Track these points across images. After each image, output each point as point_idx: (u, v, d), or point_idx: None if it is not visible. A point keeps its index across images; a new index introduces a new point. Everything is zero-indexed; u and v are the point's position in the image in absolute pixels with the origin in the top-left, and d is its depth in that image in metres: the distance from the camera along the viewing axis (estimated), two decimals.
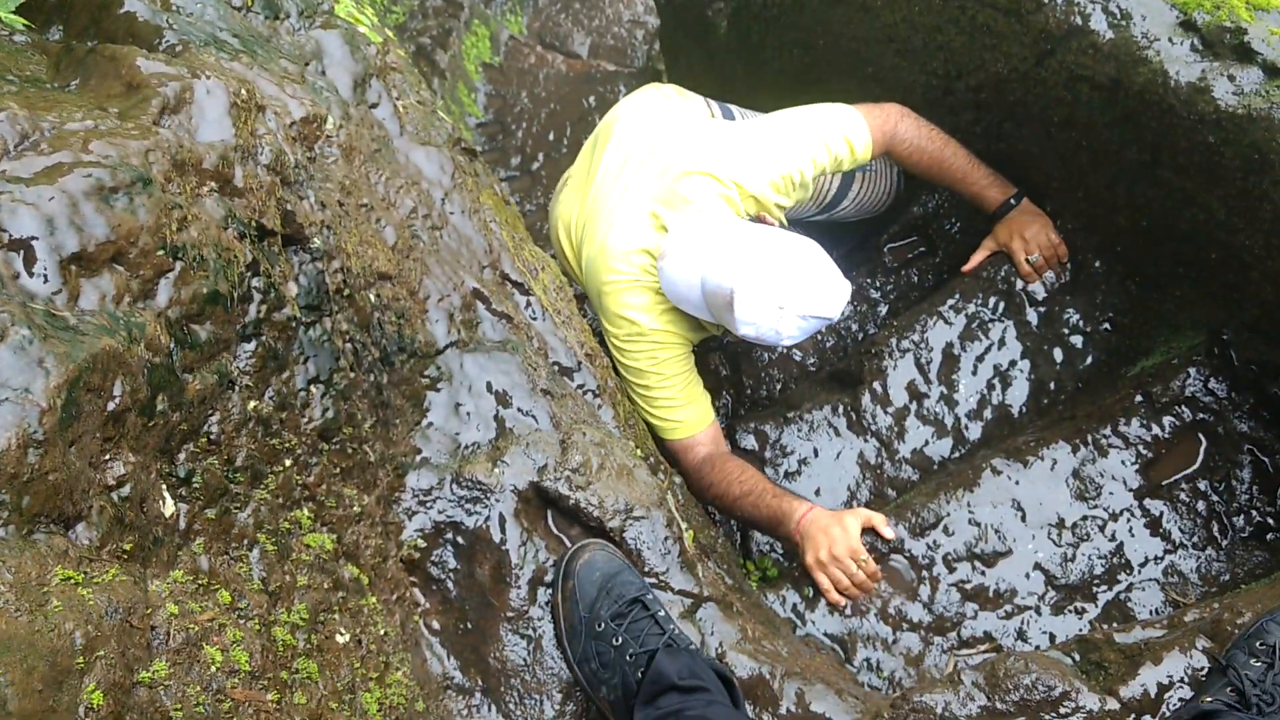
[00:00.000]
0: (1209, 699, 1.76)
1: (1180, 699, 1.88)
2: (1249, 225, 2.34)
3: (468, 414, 2.06)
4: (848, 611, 2.51)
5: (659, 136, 2.75)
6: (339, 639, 1.58)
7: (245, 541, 1.44)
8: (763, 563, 2.80)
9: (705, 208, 2.57)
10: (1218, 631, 1.91)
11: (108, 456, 1.17)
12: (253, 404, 1.48)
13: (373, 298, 1.90)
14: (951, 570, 2.53)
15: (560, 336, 2.33)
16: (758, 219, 2.67)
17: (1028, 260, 2.84)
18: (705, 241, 2.42)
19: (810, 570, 2.43)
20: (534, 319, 2.30)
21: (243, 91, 1.57)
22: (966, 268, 2.97)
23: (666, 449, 2.69)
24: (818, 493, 2.90)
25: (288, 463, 1.58)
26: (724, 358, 3.45)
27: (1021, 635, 2.47)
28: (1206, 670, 1.88)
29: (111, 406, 1.17)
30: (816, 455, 2.95)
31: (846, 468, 2.92)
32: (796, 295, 2.30)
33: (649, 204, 2.64)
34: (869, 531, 2.47)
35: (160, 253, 1.30)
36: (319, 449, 1.68)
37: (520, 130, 6.15)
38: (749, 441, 2.96)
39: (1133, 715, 1.86)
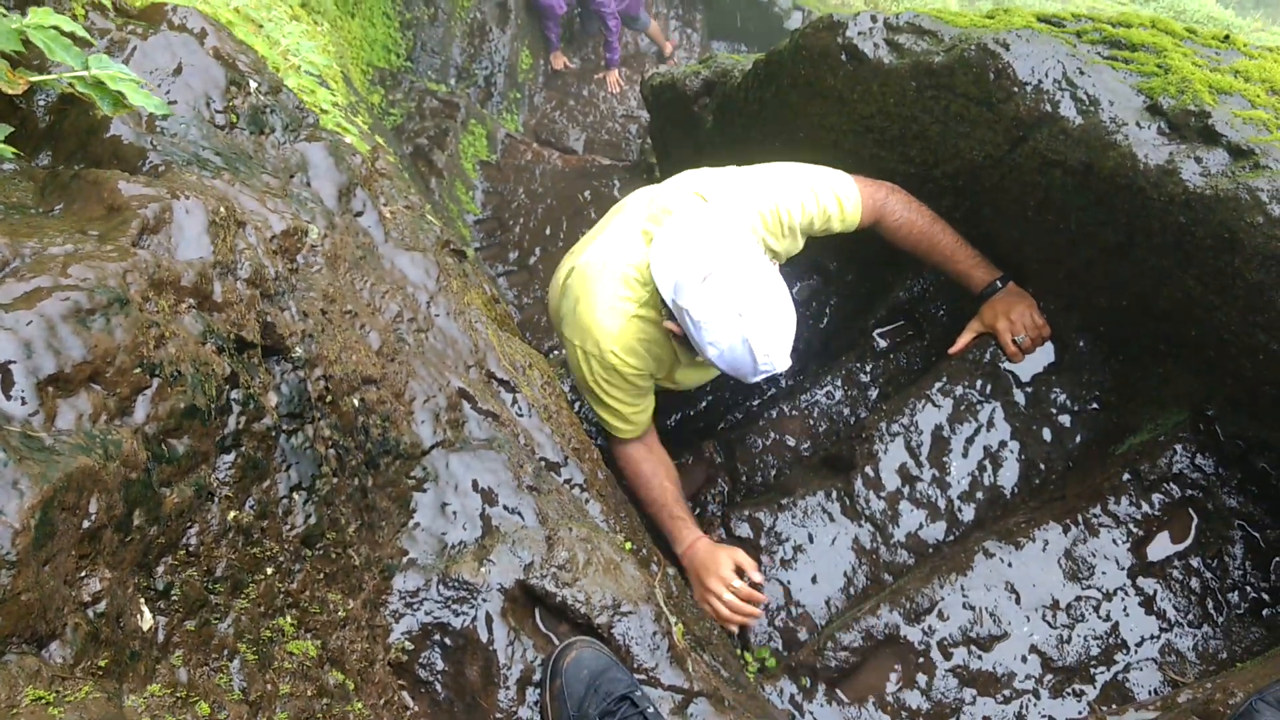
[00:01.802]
0: None
1: None
2: (1225, 302, 2.37)
3: (454, 513, 2.08)
4: (736, 630, 2.81)
5: (655, 191, 2.90)
6: None
7: (225, 651, 1.45)
8: (760, 653, 2.78)
9: (689, 212, 2.66)
10: (1209, 713, 1.90)
11: (83, 573, 1.19)
12: (233, 514, 1.51)
13: (356, 402, 1.93)
14: (948, 656, 2.52)
15: (547, 432, 2.36)
16: None
17: (1014, 341, 2.88)
18: (674, 240, 2.52)
19: (700, 602, 2.75)
20: (520, 415, 2.33)
21: (221, 209, 1.62)
22: (953, 350, 3.00)
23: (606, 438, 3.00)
24: (814, 579, 2.90)
25: (269, 571, 1.59)
26: (718, 445, 3.47)
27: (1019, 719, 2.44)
28: None
29: (87, 524, 1.19)
30: (812, 541, 2.95)
31: (842, 554, 2.92)
32: (754, 310, 2.37)
33: (639, 224, 2.77)
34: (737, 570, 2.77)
35: (137, 370, 1.33)
36: (302, 555, 1.70)
37: (518, 225, 6.26)
38: (744, 529, 2.97)
39: None
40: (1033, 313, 2.89)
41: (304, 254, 2.00)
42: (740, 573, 2.77)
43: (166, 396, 1.37)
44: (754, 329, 2.37)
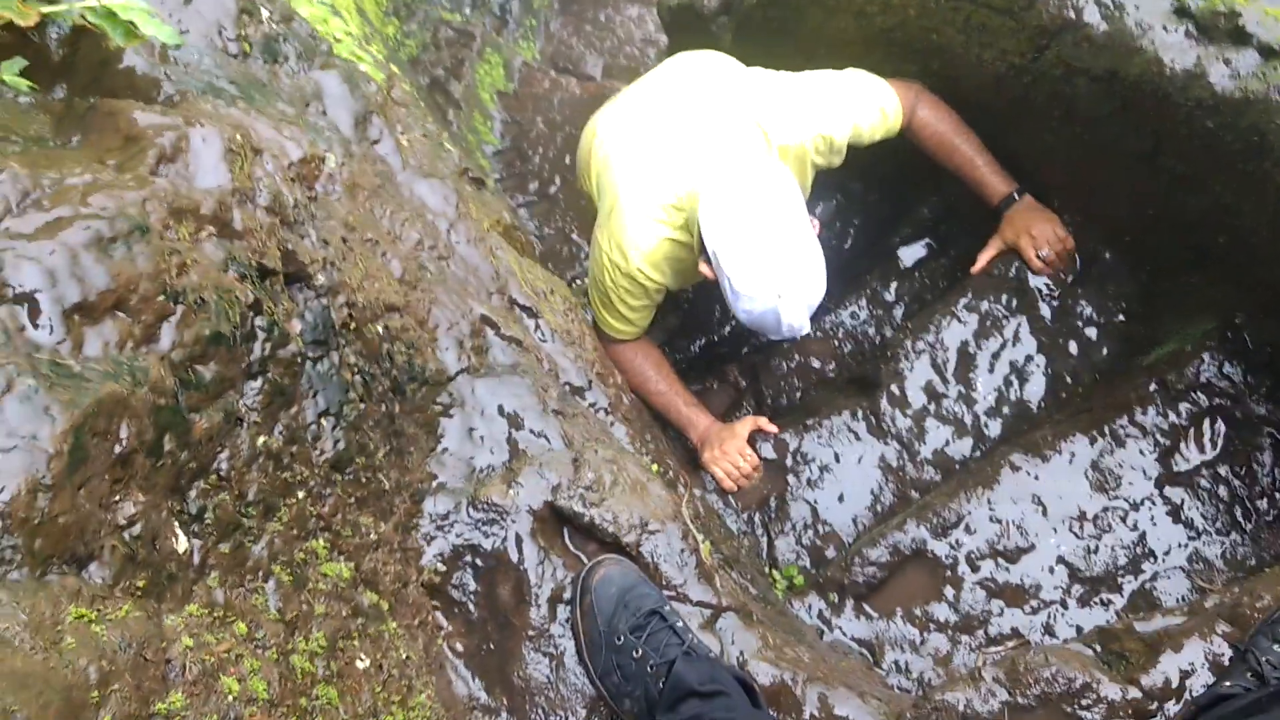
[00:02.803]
0: (1229, 684, 1.75)
1: (1203, 685, 1.87)
2: (1254, 208, 2.34)
3: (481, 438, 2.10)
4: (738, 502, 2.94)
5: (714, 83, 2.83)
6: (359, 665, 1.62)
7: (260, 573, 1.48)
8: (788, 571, 2.81)
9: (743, 158, 2.58)
10: (1237, 617, 1.91)
11: (117, 497, 1.21)
12: (262, 439, 1.53)
13: (380, 330, 1.94)
14: (975, 569, 2.53)
15: (570, 357, 2.37)
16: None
17: (1038, 256, 2.85)
18: (726, 197, 2.44)
19: (705, 465, 2.93)
20: (543, 341, 2.34)
21: (237, 137, 1.62)
22: (975, 268, 2.98)
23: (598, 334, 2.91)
24: (841, 498, 2.92)
25: (301, 495, 1.62)
26: (742, 369, 3.48)
27: (1049, 630, 2.46)
28: (1229, 656, 1.88)
29: (119, 449, 1.21)
30: (838, 461, 2.96)
31: (868, 472, 2.93)
32: (793, 288, 2.39)
33: (696, 147, 2.66)
34: (756, 431, 2.96)
35: (161, 298, 1.34)
36: (332, 480, 1.72)
37: (537, 155, 6.20)
38: (769, 451, 2.98)
39: (1154, 703, 1.86)
40: (1055, 226, 2.86)
41: (322, 182, 2.00)
42: (753, 442, 2.96)
43: (191, 323, 1.39)
44: (788, 304, 2.39)
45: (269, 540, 1.51)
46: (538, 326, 2.35)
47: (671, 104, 2.82)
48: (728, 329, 3.78)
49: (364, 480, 1.81)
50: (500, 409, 2.13)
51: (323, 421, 1.71)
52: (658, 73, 3.02)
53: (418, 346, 2.07)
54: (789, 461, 2.99)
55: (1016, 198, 2.90)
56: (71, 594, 1.09)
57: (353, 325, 1.84)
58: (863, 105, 2.79)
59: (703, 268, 2.55)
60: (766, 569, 2.82)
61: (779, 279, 2.36)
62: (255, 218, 1.61)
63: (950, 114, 2.92)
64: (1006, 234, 2.92)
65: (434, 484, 2.03)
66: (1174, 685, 1.87)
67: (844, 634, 2.56)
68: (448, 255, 2.26)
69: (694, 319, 3.80)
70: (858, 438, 2.96)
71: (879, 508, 2.90)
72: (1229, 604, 1.94)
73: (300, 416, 1.64)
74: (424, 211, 2.28)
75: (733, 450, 2.90)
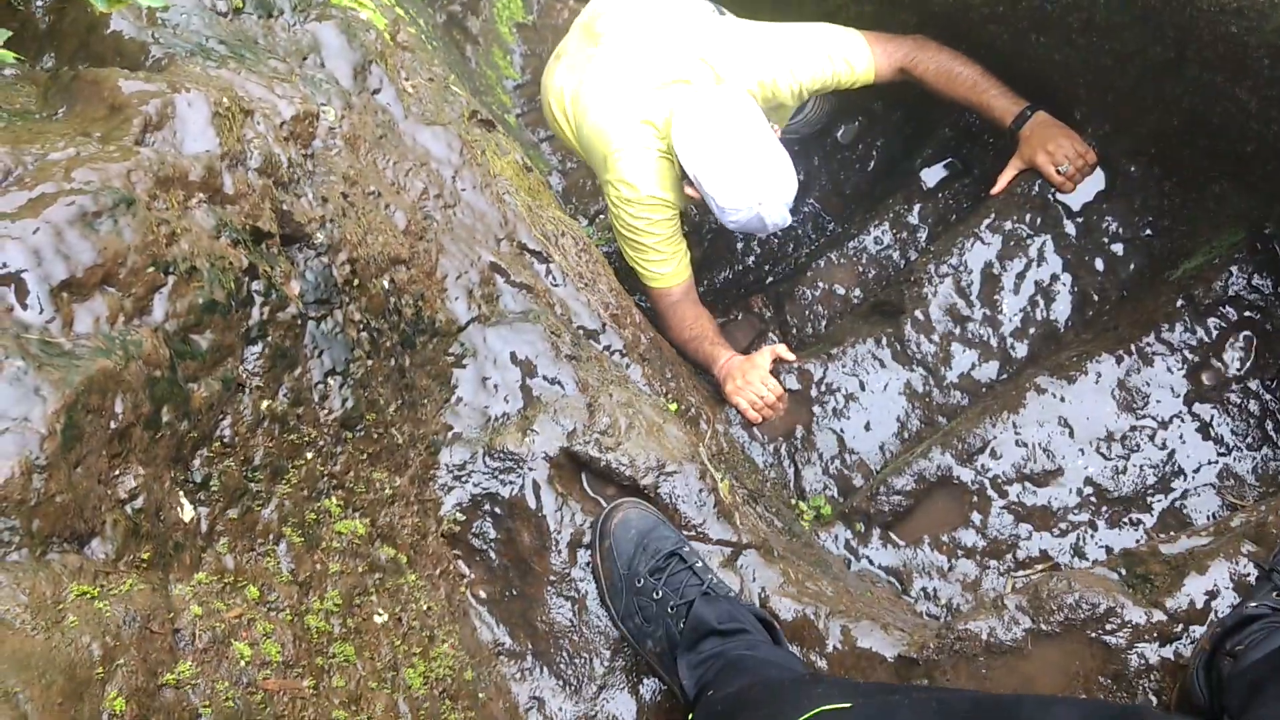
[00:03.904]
0: (1254, 604, 1.73)
1: (1229, 605, 1.85)
2: None
3: (495, 387, 2.10)
4: (764, 434, 2.93)
5: (664, 22, 2.98)
6: (377, 619, 1.64)
7: (271, 537, 1.49)
8: (815, 501, 2.81)
9: (702, 86, 2.83)
10: (1263, 536, 1.88)
11: (117, 472, 1.23)
12: (266, 403, 1.53)
13: (386, 284, 1.94)
14: (1002, 494, 2.51)
15: (583, 300, 2.35)
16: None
17: (1059, 171, 2.78)
18: (696, 126, 2.68)
19: (730, 397, 2.92)
20: (555, 285, 2.32)
21: (224, 100, 1.60)
22: (995, 190, 2.92)
23: (647, 293, 3.13)
24: (867, 427, 2.90)
25: (310, 455, 1.63)
26: (767, 299, 3.45)
27: (1078, 551, 2.45)
28: (1255, 576, 1.85)
29: (114, 424, 1.22)
30: (863, 389, 2.93)
31: (894, 399, 2.90)
32: (770, 192, 2.66)
33: (655, 81, 2.86)
34: (777, 361, 2.98)
35: (151, 269, 1.34)
36: (342, 438, 1.73)
37: None
38: (793, 382, 2.96)
39: (1180, 626, 1.84)
40: (1073, 141, 2.79)
41: (321, 138, 1.98)
42: (775, 373, 2.98)
43: (184, 293, 1.39)
44: (768, 207, 2.67)
45: (279, 503, 1.53)
46: (549, 271, 2.33)
47: (626, 45, 2.97)
48: (751, 259, 3.75)
49: (375, 436, 1.82)
50: (513, 357, 2.13)
51: (329, 381, 1.71)
52: (599, 22, 3.10)
53: (426, 298, 2.07)
54: (814, 392, 2.96)
55: (1029, 115, 2.83)
56: (73, 572, 1.11)
57: (356, 282, 1.84)
58: (824, 53, 2.89)
59: (688, 189, 2.80)
60: (794, 500, 2.81)
61: (756, 189, 2.64)
62: (247, 181, 1.59)
63: (948, 50, 2.93)
64: (1024, 153, 2.86)
65: (449, 435, 2.04)
66: (1199, 607, 1.85)
67: (872, 563, 2.56)
68: (454, 203, 2.24)
69: (716, 251, 3.76)
70: (883, 365, 2.94)
71: (906, 435, 2.88)
72: (1254, 523, 1.91)
73: (305, 378, 1.65)
74: (428, 160, 2.25)
75: (756, 381, 2.91)
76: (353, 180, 1.98)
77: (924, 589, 2.50)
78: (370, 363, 1.82)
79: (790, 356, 2.99)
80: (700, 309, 3.11)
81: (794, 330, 3.36)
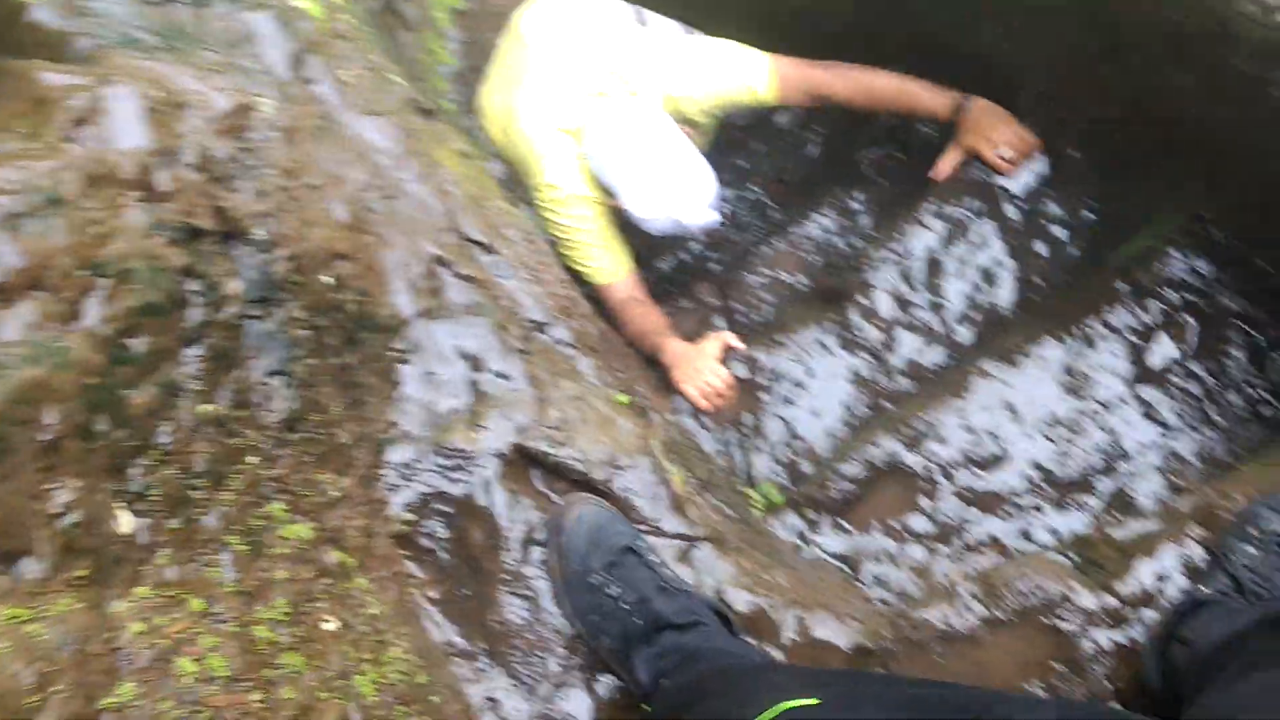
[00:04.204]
0: (1205, 591, 1.75)
1: (1179, 589, 1.87)
2: (1219, 100, 2.28)
3: (442, 382, 2.05)
4: (711, 423, 2.96)
5: (584, 31, 3.03)
6: (326, 627, 1.60)
7: (214, 546, 1.44)
8: (765, 489, 2.80)
9: (620, 100, 2.89)
10: (1209, 519, 1.90)
11: (48, 486, 1.17)
12: (206, 407, 1.48)
13: (328, 279, 1.88)
14: (950, 479, 2.53)
15: (531, 292, 2.31)
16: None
17: (1001, 157, 2.79)
18: (607, 140, 2.77)
19: (678, 385, 2.92)
20: (501, 277, 2.28)
21: (156, 92, 1.54)
22: (937, 175, 2.93)
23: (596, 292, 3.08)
24: (815, 413, 2.90)
25: (253, 460, 1.58)
26: (713, 287, 3.43)
27: (1026, 535, 2.46)
28: (1207, 562, 1.87)
29: (45, 436, 1.16)
30: (811, 376, 2.93)
31: (841, 386, 2.91)
32: (688, 202, 2.74)
33: (573, 92, 2.93)
34: (726, 349, 2.98)
35: (82, 272, 1.28)
36: (287, 440, 1.68)
37: None
38: (741, 370, 2.95)
39: (1131, 610, 1.86)
40: (1012, 125, 2.80)
41: (257, 131, 1.91)
42: (724, 361, 2.99)
43: (118, 296, 1.33)
44: (685, 213, 2.74)
45: (221, 511, 1.47)
46: (495, 263, 2.29)
47: (549, 53, 3.02)
48: (697, 247, 3.73)
49: (321, 437, 1.77)
50: (460, 351, 2.08)
51: (271, 381, 1.66)
52: (523, 38, 3.16)
53: (369, 293, 2.01)
54: (762, 379, 2.96)
55: (966, 103, 2.82)
56: (3, 594, 1.05)
57: (297, 278, 1.78)
58: (714, 78, 2.95)
59: (610, 202, 2.89)
60: (744, 489, 2.81)
61: (671, 199, 2.71)
62: (181, 177, 1.53)
63: (859, 68, 2.92)
64: (965, 139, 2.86)
65: (396, 433, 1.99)
66: (1150, 591, 1.87)
67: (822, 550, 2.56)
68: (395, 194, 2.19)
69: (661, 240, 3.73)
70: (829, 351, 2.93)
71: (853, 421, 2.88)
72: (1201, 506, 1.93)
73: (246, 379, 1.59)
74: (368, 151, 2.19)
75: (704, 369, 2.89)
76: (292, 173, 1.91)
77: (875, 575, 2.51)
78: (314, 362, 1.77)
79: (739, 344, 2.97)
80: (647, 303, 3.10)
81: (741, 318, 3.34)
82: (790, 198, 3.67)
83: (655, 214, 2.73)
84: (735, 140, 3.74)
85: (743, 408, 2.94)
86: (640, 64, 2.95)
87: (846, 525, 2.57)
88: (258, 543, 1.53)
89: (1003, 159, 2.80)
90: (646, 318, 3.04)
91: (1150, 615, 1.85)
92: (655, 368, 3.03)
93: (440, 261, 2.16)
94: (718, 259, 3.67)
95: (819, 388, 2.92)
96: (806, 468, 2.84)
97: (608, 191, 2.82)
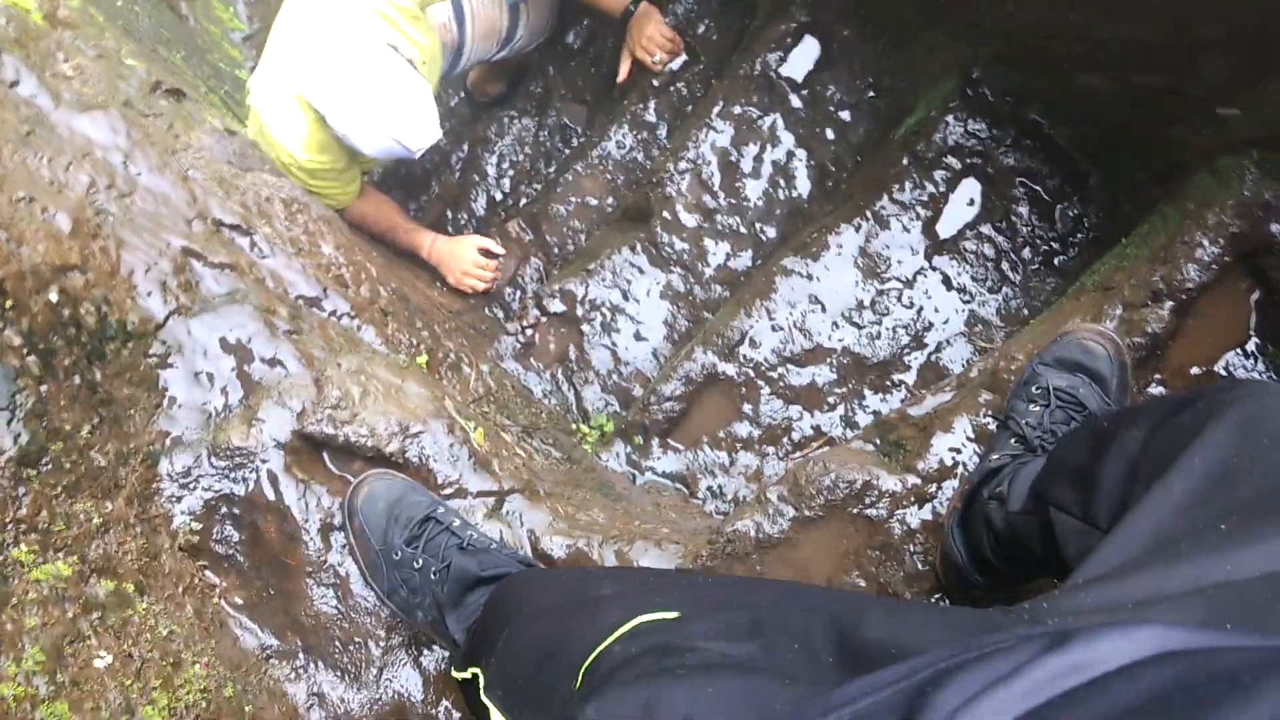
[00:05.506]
0: (996, 456, 1.76)
1: (976, 457, 1.89)
2: None
3: (209, 380, 1.95)
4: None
5: None
6: (99, 664, 1.51)
7: None
8: (598, 421, 2.76)
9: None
10: (996, 384, 1.91)
11: None
12: None
13: (54, 297, 1.76)
14: (768, 381, 2.51)
15: (297, 267, 2.20)
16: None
17: (653, 61, 3.12)
18: (311, 69, 2.61)
19: (459, 286, 3.17)
20: (263, 258, 2.17)
21: None
22: (620, 79, 3.20)
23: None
24: (638, 336, 2.85)
25: None
26: (524, 223, 3.34)
27: (849, 422, 2.47)
28: (995, 426, 1.88)
29: None
30: (627, 299, 2.89)
31: (658, 304, 2.87)
32: (399, 118, 2.59)
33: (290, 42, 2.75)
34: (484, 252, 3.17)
35: None
36: (24, 477, 1.57)
37: None
38: (557, 305, 2.89)
39: (933, 486, 1.87)
40: (659, 28, 3.07)
41: None
42: (487, 254, 3.19)
43: None
44: (402, 132, 2.58)
45: None
46: (254, 244, 2.17)
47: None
48: (507, 181, 3.63)
49: (69, 465, 1.66)
50: (223, 344, 1.98)
51: None
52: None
53: (112, 301, 1.89)
54: (580, 310, 2.90)
55: (633, 8, 3.08)
56: None
57: (9, 303, 1.65)
58: None
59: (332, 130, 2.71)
60: (576, 425, 2.76)
61: (387, 126, 2.56)
62: None
63: None
64: (628, 44, 3.13)
65: (167, 442, 1.88)
66: (949, 465, 1.88)
67: (656, 473, 2.54)
68: (129, 191, 2.05)
69: (468, 180, 3.63)
70: (641, 271, 2.89)
71: (676, 337, 2.85)
72: (988, 371, 1.94)
73: None
74: (91, 149, 2.04)
75: (470, 265, 3.14)
76: None
77: (709, 488, 2.50)
78: (44, 388, 1.65)
79: (498, 249, 3.21)
80: (381, 202, 3.14)
81: (555, 249, 3.27)
82: (592, 117, 3.58)
83: (369, 140, 2.60)
84: (531, 65, 3.63)
85: (566, 344, 2.89)
86: None
87: (676, 444, 2.55)
88: (2, 593, 1.43)
89: (656, 62, 3.11)
90: (386, 217, 3.11)
91: (951, 486, 1.86)
92: (471, 317, 2.96)
93: (190, 253, 2.04)
94: (527, 190, 3.58)
95: (638, 310, 2.87)
96: (637, 391, 2.80)
97: (323, 122, 2.68)
